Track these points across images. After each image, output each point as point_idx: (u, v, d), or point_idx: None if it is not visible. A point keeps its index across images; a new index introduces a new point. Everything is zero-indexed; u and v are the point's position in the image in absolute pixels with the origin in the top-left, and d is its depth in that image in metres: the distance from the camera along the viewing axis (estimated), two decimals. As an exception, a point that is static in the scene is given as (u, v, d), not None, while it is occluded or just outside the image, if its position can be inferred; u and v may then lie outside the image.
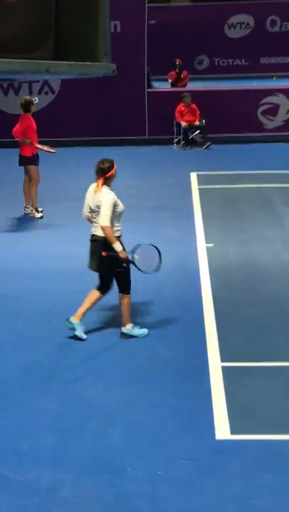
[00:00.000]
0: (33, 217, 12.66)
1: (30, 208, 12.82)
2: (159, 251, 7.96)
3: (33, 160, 12.67)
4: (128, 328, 7.87)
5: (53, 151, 12.70)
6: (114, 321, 8.23)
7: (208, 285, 9.24)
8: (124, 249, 7.71)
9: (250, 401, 6.48)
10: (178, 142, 19.37)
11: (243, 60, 35.32)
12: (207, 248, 10.68)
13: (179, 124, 19.28)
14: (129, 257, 7.77)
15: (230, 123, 19.71)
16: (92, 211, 7.91)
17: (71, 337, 7.77)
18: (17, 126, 12.55)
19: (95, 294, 7.92)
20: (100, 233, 7.77)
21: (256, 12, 35.02)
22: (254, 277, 9.61)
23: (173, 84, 23.79)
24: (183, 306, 8.66)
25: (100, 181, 7.80)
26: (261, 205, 13.30)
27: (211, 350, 7.44)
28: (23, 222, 12.58)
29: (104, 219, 7.62)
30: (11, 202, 13.63)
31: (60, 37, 3.10)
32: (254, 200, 13.68)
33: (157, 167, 16.64)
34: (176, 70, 23.74)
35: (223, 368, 7.04)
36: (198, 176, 15.46)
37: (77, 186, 15.08)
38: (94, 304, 7.91)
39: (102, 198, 7.72)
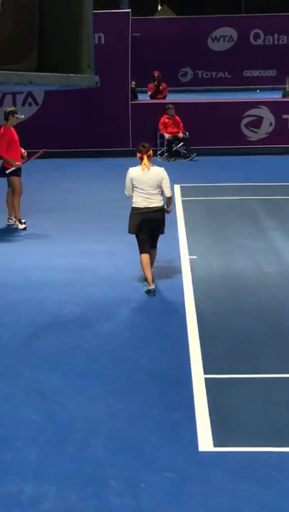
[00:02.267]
0: (16, 229, 12.63)
1: (14, 219, 12.79)
2: None
3: (16, 171, 12.64)
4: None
5: (41, 151, 12.83)
6: (95, 333, 8.22)
7: (191, 296, 9.25)
8: None
9: (233, 413, 6.48)
10: (162, 154, 19.43)
11: (226, 73, 35.56)
12: (190, 260, 10.70)
13: (162, 136, 19.35)
14: None
15: (214, 135, 19.79)
16: (144, 187, 9.25)
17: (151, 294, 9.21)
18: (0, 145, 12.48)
19: (145, 257, 9.33)
20: (160, 204, 9.33)
21: (239, 25, 35.29)
22: (237, 289, 9.63)
23: (152, 97, 23.89)
24: (166, 317, 8.66)
25: (147, 161, 9.26)
26: (244, 216, 13.35)
27: (194, 361, 7.44)
28: (6, 233, 12.55)
29: (170, 190, 9.42)
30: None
31: (43, 49, 3.10)
32: (237, 212, 13.73)
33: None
34: (155, 83, 23.84)
35: (206, 380, 7.04)
36: (181, 187, 15.51)
37: (61, 197, 15.15)
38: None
39: (160, 175, 9.28)
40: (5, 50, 2.83)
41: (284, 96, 24.00)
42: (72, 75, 3.09)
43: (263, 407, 6.57)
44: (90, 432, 6.17)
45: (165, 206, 9.43)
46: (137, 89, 23.10)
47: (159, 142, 19.47)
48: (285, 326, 8.39)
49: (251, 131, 20.01)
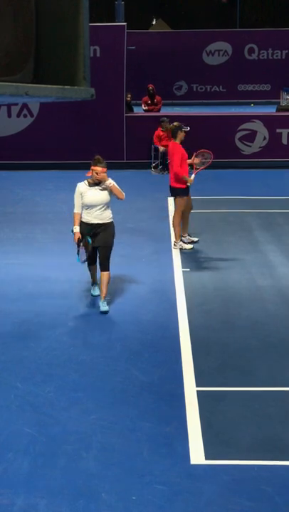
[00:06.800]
0: (181, 248, 11.96)
1: (186, 236, 12.25)
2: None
3: (183, 192, 12.07)
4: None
5: (208, 154, 12.48)
6: (88, 345, 8.21)
7: (184, 310, 9.25)
8: None
9: (225, 426, 6.47)
10: (156, 167, 19.47)
11: (220, 87, 35.72)
12: (184, 272, 10.70)
13: (156, 149, 19.40)
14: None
15: (208, 148, 19.77)
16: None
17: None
18: (174, 162, 11.90)
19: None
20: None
21: (234, 40, 35.49)
22: (230, 302, 9.63)
23: (146, 110, 23.97)
24: (159, 330, 8.66)
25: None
26: (238, 230, 13.37)
27: (187, 374, 7.44)
28: (1, 244, 12.53)
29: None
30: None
31: (39, 60, 3.11)
32: (231, 225, 13.75)
33: (135, 191, 16.70)
34: (149, 96, 23.92)
35: (199, 393, 7.04)
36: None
37: (55, 209, 15.16)
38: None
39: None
40: (1, 62, 2.84)
41: (278, 110, 24.11)
42: (68, 87, 3.09)
43: (255, 420, 6.57)
44: (82, 444, 6.15)
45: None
46: (132, 102, 23.17)
47: (153, 155, 19.52)
48: (278, 340, 8.39)
49: (245, 144, 20.07)
